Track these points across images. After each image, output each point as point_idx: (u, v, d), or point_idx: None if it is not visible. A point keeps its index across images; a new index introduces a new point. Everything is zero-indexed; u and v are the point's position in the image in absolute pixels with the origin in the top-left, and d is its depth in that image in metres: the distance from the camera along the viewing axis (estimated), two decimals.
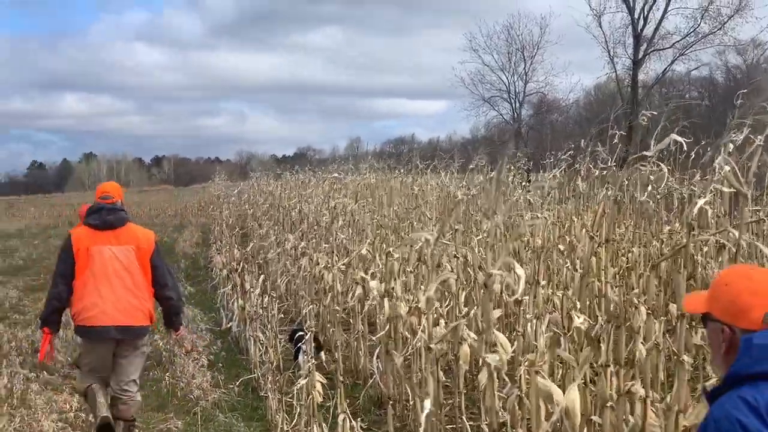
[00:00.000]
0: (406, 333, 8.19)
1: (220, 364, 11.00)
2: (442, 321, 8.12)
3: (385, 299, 8.92)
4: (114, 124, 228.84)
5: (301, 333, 8.51)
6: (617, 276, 9.47)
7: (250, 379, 10.08)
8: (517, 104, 56.56)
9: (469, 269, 9.17)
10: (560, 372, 7.27)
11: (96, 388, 7.79)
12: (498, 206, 10.33)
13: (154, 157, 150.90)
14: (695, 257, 9.56)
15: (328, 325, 11.43)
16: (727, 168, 5.80)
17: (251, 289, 11.46)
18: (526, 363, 5.76)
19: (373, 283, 9.29)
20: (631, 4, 49.06)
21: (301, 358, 8.94)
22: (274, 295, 10.61)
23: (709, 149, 10.87)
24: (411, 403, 8.13)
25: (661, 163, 6.83)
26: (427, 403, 5.97)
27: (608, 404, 5.60)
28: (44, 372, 10.55)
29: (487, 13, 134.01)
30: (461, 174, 17.60)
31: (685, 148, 6.96)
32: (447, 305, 8.72)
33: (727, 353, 2.99)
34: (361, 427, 6.80)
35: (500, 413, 6.22)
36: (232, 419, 9.00)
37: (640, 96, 48.12)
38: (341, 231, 13.46)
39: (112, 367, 7.80)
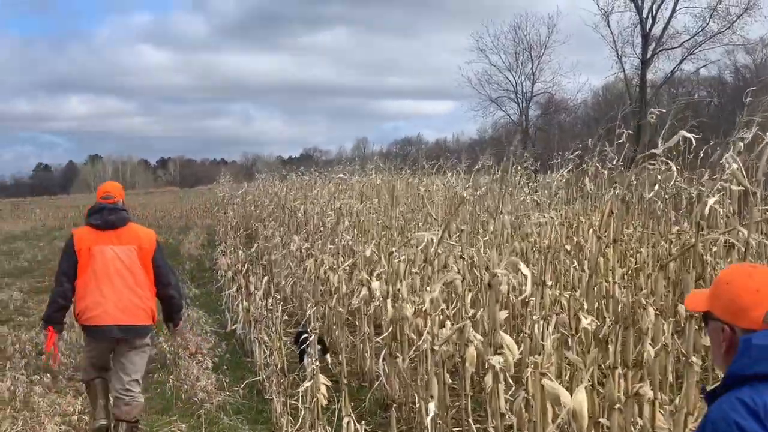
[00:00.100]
0: (412, 334, 8.11)
1: (225, 367, 10.94)
2: (448, 323, 8.05)
3: (388, 301, 8.85)
4: (119, 125, 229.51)
5: (306, 335, 8.45)
6: (625, 276, 9.38)
7: (255, 381, 10.01)
8: (525, 104, 56.52)
9: (475, 270, 9.09)
10: (568, 374, 7.19)
11: (98, 385, 7.91)
12: (504, 206, 10.28)
13: (159, 159, 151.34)
14: (704, 257, 9.47)
15: (334, 327, 11.36)
16: (734, 166, 5.72)
17: (255, 291, 11.40)
18: (533, 365, 5.68)
19: (375, 284, 9.22)
20: (640, 4, 49.10)
21: (306, 360, 8.88)
22: (278, 297, 10.52)
23: (718, 148, 10.79)
24: (417, 405, 8.05)
25: (669, 162, 6.74)
26: (432, 406, 5.90)
27: (616, 406, 5.52)
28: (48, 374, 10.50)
29: (494, 13, 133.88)
30: (468, 174, 17.51)
31: (694, 145, 6.88)
32: (454, 307, 8.65)
33: (728, 353, 2.94)
34: (365, 430, 6.74)
35: (507, 416, 6.15)
36: (236, 422, 8.93)
37: (648, 96, 48.09)
38: (347, 232, 13.39)
39: (114, 367, 7.83)
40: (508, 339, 6.42)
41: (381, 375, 8.94)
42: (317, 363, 7.12)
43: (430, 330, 7.23)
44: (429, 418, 6.01)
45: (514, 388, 6.47)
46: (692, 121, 8.32)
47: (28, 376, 10.36)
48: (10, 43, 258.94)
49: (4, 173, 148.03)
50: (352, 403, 9.09)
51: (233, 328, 12.94)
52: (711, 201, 5.49)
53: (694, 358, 5.17)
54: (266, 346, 9.96)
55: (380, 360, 8.85)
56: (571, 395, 5.43)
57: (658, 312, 6.45)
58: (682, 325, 6.52)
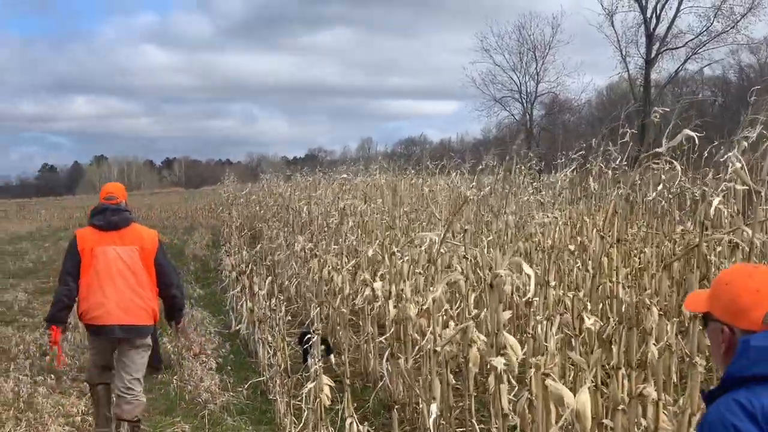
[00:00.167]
0: (416, 335, 8.10)
1: (229, 367, 10.93)
2: (451, 323, 8.04)
3: (390, 301, 8.84)
4: (124, 126, 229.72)
5: (310, 335, 8.45)
6: (629, 276, 9.36)
7: (259, 382, 9.99)
8: (529, 104, 56.50)
9: (478, 270, 9.07)
10: (571, 374, 7.18)
11: (101, 393, 7.99)
12: (507, 206, 10.25)
13: (164, 160, 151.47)
14: (708, 257, 9.44)
15: (338, 327, 11.35)
16: (738, 165, 5.70)
17: (259, 291, 11.40)
18: (536, 366, 5.67)
19: (377, 285, 9.21)
20: (644, 3, 49.09)
21: (309, 361, 8.87)
22: (282, 298, 10.52)
23: (722, 148, 10.76)
24: (420, 406, 8.04)
25: (674, 161, 6.72)
26: (434, 408, 5.88)
27: (620, 407, 5.50)
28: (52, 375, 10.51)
29: (496, 12, 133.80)
30: (472, 174, 17.49)
31: (697, 145, 6.85)
32: (457, 307, 8.63)
33: (727, 354, 2.93)
34: (368, 430, 6.72)
35: (510, 416, 6.13)
36: (240, 423, 8.92)
37: (652, 95, 48.05)
38: (351, 232, 13.38)
39: (116, 366, 7.88)
40: (511, 339, 6.39)
41: (384, 375, 8.93)
42: (320, 364, 7.11)
43: (433, 331, 7.21)
44: (431, 420, 5.99)
45: (517, 388, 6.45)
46: (696, 121, 8.27)
47: (32, 377, 10.37)
48: (13, 44, 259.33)
49: (10, 174, 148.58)
50: (356, 404, 9.10)
51: (237, 328, 12.94)
52: (716, 201, 5.46)
53: (697, 359, 5.14)
54: (270, 346, 9.95)
55: (383, 360, 8.85)
56: (575, 396, 5.41)
57: (662, 312, 6.43)
58: (687, 324, 6.51)
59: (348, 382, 7.03)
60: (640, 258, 10.22)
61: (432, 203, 14.43)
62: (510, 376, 6.27)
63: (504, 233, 11.38)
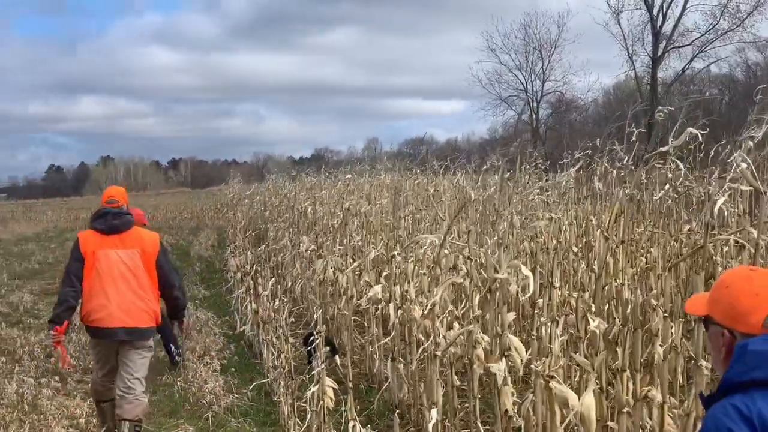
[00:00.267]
0: (420, 336, 8.06)
1: (233, 369, 10.91)
2: (456, 324, 8.00)
3: (391, 304, 8.81)
4: (131, 126, 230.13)
5: (315, 337, 8.42)
6: (635, 277, 9.31)
7: (264, 383, 9.97)
8: (535, 103, 56.40)
9: (482, 271, 9.03)
10: (577, 374, 7.13)
11: (107, 410, 8.06)
12: (513, 206, 10.18)
13: (171, 160, 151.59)
14: (714, 257, 9.39)
15: (343, 328, 11.32)
16: (743, 165, 5.64)
17: (263, 292, 11.37)
18: (540, 368, 5.62)
19: (377, 288, 9.18)
20: (650, 1, 48.96)
21: (314, 362, 8.84)
22: (285, 299, 10.49)
23: (729, 146, 10.70)
24: (428, 403, 8.00)
25: (678, 161, 6.67)
26: (434, 413, 5.83)
27: (625, 410, 5.45)
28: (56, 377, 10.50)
29: (504, 12, 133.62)
30: (478, 174, 17.44)
31: (704, 143, 6.80)
32: (463, 307, 8.59)
33: (727, 358, 2.90)
34: None
35: (515, 418, 6.09)
36: (244, 424, 8.90)
37: (659, 94, 47.91)
38: (355, 233, 13.34)
39: (118, 368, 7.87)
40: (516, 341, 6.36)
41: (389, 377, 8.90)
42: (323, 366, 7.07)
43: (434, 335, 7.17)
44: (431, 425, 5.95)
45: (523, 388, 6.41)
46: (703, 120, 8.21)
47: (37, 378, 10.36)
48: (21, 45, 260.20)
49: (17, 175, 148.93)
50: (360, 406, 9.07)
51: (242, 329, 12.92)
52: (720, 201, 5.41)
53: (703, 362, 5.09)
54: (274, 348, 9.92)
55: (388, 362, 8.82)
56: (580, 398, 5.37)
57: (666, 314, 6.38)
58: (693, 325, 6.46)
59: (351, 385, 6.98)
60: (646, 258, 10.17)
61: (436, 204, 14.37)
62: (514, 378, 6.24)
63: (509, 233, 11.33)
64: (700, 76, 53.04)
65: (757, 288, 2.89)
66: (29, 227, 49.39)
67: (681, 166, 6.52)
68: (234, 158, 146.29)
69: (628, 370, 5.60)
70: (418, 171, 19.62)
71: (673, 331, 6.56)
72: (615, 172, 11.77)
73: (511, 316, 6.79)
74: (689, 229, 11.00)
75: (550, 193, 14.69)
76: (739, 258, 8.45)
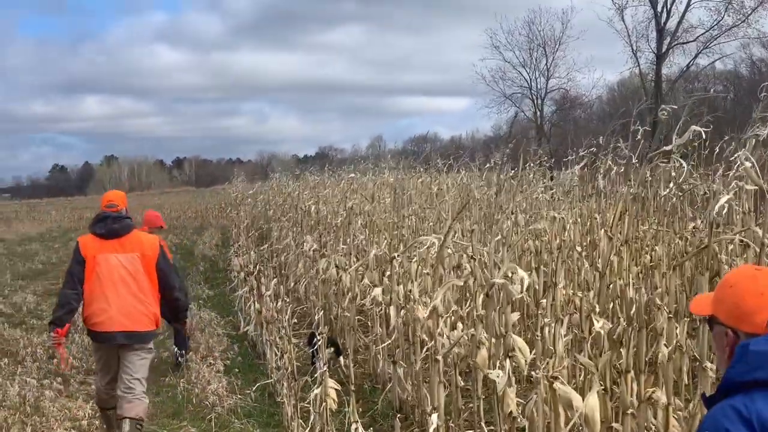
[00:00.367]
0: (424, 336, 8.02)
1: (237, 369, 10.88)
2: (460, 324, 7.96)
3: (392, 307, 8.77)
4: (135, 126, 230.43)
5: (318, 338, 8.39)
6: (640, 275, 9.26)
7: (267, 384, 9.92)
8: (539, 101, 56.27)
9: (485, 270, 8.99)
10: (581, 374, 7.09)
11: (112, 417, 8.07)
12: (517, 204, 10.13)
13: (175, 159, 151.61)
14: (719, 255, 9.33)
15: (347, 328, 11.26)
16: (748, 164, 5.58)
17: (265, 292, 11.33)
18: (544, 369, 5.58)
19: (378, 290, 9.14)
20: None
21: (317, 363, 8.80)
22: (288, 300, 10.44)
23: (733, 143, 10.64)
24: (429, 408, 7.96)
25: (682, 160, 6.62)
26: (435, 418, 5.78)
27: (629, 411, 5.40)
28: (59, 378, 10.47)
29: (508, 9, 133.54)
30: (482, 172, 17.39)
31: (708, 140, 6.74)
32: (467, 306, 8.54)
33: (731, 358, 2.87)
34: None
35: (519, 419, 6.04)
36: (247, 426, 8.87)
37: (664, 90, 47.76)
38: (359, 232, 13.29)
39: (119, 370, 7.90)
40: (520, 342, 6.31)
41: (392, 378, 8.86)
42: (326, 367, 7.04)
43: (435, 339, 7.12)
44: (432, 429, 5.89)
45: (527, 387, 6.36)
46: (707, 116, 8.15)
47: (39, 380, 10.33)
48: (24, 45, 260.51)
49: (21, 174, 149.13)
50: (364, 406, 9.04)
51: (246, 329, 12.89)
52: (723, 199, 5.35)
53: (708, 363, 5.05)
54: (277, 348, 9.88)
55: (391, 364, 8.77)
56: (584, 398, 5.32)
57: (670, 315, 6.33)
58: (698, 324, 6.41)
59: (353, 387, 6.95)
60: (651, 256, 10.12)
61: (440, 202, 14.32)
62: (518, 377, 6.19)
63: (513, 232, 11.28)
64: (705, 72, 52.85)
65: (762, 287, 2.87)
66: (33, 227, 49.43)
67: (684, 165, 6.45)
68: (238, 157, 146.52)
69: (632, 371, 5.55)
70: (421, 169, 19.57)
71: (678, 332, 6.50)
72: (618, 168, 11.71)
73: (515, 316, 6.75)
74: (694, 227, 10.94)
75: (554, 191, 14.65)
76: (744, 256, 8.40)
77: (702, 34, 48.64)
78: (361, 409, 8.78)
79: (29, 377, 10.37)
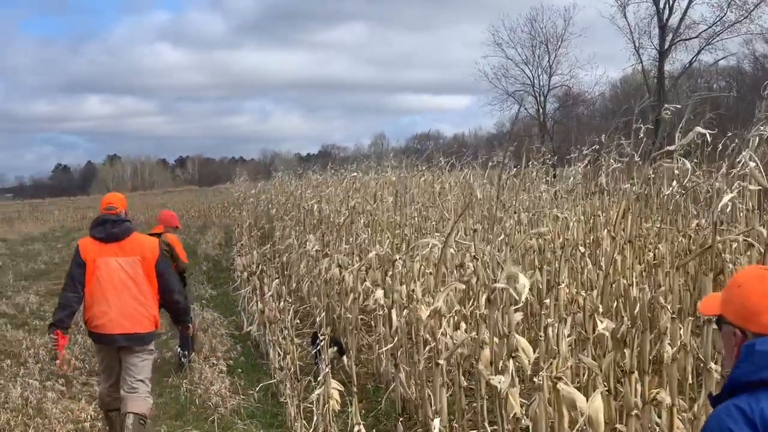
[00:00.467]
0: (427, 336, 7.99)
1: (240, 370, 10.84)
2: (463, 324, 7.92)
3: (393, 309, 8.75)
4: (138, 125, 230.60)
5: (321, 337, 8.36)
6: (643, 273, 9.23)
7: (270, 384, 9.89)
8: (542, 98, 56.18)
9: (488, 270, 8.96)
10: (585, 374, 7.05)
11: (114, 418, 8.04)
12: (518, 202, 10.09)
13: (178, 158, 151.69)
14: (722, 254, 9.29)
15: (350, 327, 11.24)
16: (752, 164, 5.55)
17: (268, 292, 11.31)
18: (548, 369, 5.55)
19: (379, 293, 9.12)
20: None
21: (320, 364, 8.78)
22: (291, 299, 10.41)
23: (736, 140, 10.60)
24: (433, 408, 7.93)
25: (684, 159, 6.59)
26: (437, 423, 5.75)
27: (633, 412, 5.37)
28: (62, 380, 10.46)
29: (510, 6, 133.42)
30: (484, 170, 17.36)
31: (709, 140, 6.70)
32: (471, 305, 8.51)
33: (739, 357, 2.85)
34: None
35: (522, 420, 6.02)
36: (251, 426, 8.84)
37: (666, 87, 47.65)
38: (361, 231, 13.26)
39: (122, 372, 7.92)
40: (523, 342, 6.29)
41: (395, 378, 8.84)
42: (329, 368, 7.01)
43: (437, 343, 7.10)
44: None
45: (531, 387, 6.33)
46: (710, 114, 8.13)
47: (42, 381, 10.30)
48: (28, 44, 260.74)
49: (24, 174, 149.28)
50: (368, 406, 9.02)
51: (249, 329, 12.86)
52: (726, 198, 5.32)
53: (713, 365, 5.02)
54: (280, 348, 9.86)
55: (394, 365, 8.75)
56: (588, 398, 5.30)
57: (674, 315, 6.30)
58: (702, 322, 6.38)
59: (356, 388, 6.93)
60: (654, 254, 10.09)
61: (442, 201, 14.30)
62: (522, 377, 6.16)
63: (516, 230, 11.25)
64: (708, 68, 52.74)
65: None
66: (36, 227, 49.43)
67: (688, 164, 6.42)
68: (241, 156, 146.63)
69: (636, 372, 5.52)
70: (423, 168, 19.53)
71: (681, 332, 6.47)
72: (621, 165, 11.70)
73: (518, 316, 6.72)
74: (697, 224, 10.91)
75: (557, 188, 14.62)
76: (748, 254, 8.36)
77: (704, 30, 48.50)
78: (364, 410, 8.76)
79: (32, 379, 10.35)
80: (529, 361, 6.28)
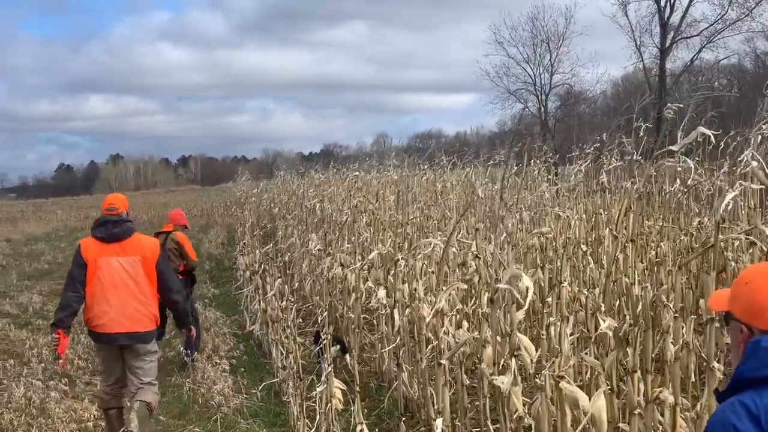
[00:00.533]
0: (430, 334, 8.00)
1: (243, 369, 10.85)
2: (465, 322, 7.93)
3: (395, 309, 8.75)
4: (140, 124, 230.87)
5: (324, 336, 8.37)
6: (645, 272, 9.23)
7: (273, 383, 9.90)
8: (544, 96, 56.14)
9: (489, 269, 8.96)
10: (587, 373, 7.06)
11: (114, 417, 8.12)
12: (520, 201, 10.09)
13: (180, 157, 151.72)
14: (725, 253, 9.29)
15: (353, 326, 11.25)
16: (754, 164, 5.55)
17: (270, 291, 11.31)
18: (550, 368, 5.55)
19: (381, 293, 9.12)
20: None
21: (323, 364, 8.78)
22: (293, 298, 10.42)
23: (737, 138, 10.60)
24: (435, 407, 7.94)
25: (687, 158, 6.58)
26: (439, 422, 5.76)
27: (636, 411, 5.38)
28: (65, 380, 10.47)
29: (512, 4, 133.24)
30: (486, 169, 17.36)
31: (712, 140, 6.70)
32: (473, 304, 8.52)
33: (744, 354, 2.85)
34: None
35: (525, 418, 6.02)
36: (253, 425, 8.84)
37: (668, 85, 47.63)
38: (364, 230, 13.26)
39: (126, 372, 7.98)
40: (525, 340, 6.29)
41: (398, 377, 8.84)
42: (331, 367, 7.02)
43: (438, 342, 7.10)
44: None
45: (533, 385, 6.33)
46: (712, 112, 8.13)
47: (45, 381, 10.32)
48: (30, 45, 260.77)
49: (27, 174, 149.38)
50: (371, 404, 9.03)
51: (251, 328, 12.86)
52: (729, 197, 5.32)
53: (716, 364, 5.01)
54: (283, 347, 9.86)
55: (397, 364, 8.74)
56: (590, 397, 5.30)
57: (676, 314, 6.29)
58: (704, 320, 6.38)
59: (358, 388, 6.92)
60: (656, 252, 10.08)
61: (444, 201, 14.30)
62: (524, 376, 6.16)
63: (517, 229, 11.26)
64: (709, 66, 52.68)
65: None
66: (39, 227, 49.46)
67: (690, 163, 6.41)
68: (243, 155, 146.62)
69: (639, 371, 5.52)
70: (425, 167, 19.53)
71: (684, 330, 6.47)
72: (623, 163, 11.69)
73: (520, 314, 6.72)
74: (699, 222, 10.91)
75: (559, 186, 14.61)
76: (750, 251, 8.36)
77: (706, 28, 48.44)
78: (366, 409, 8.77)
79: (35, 379, 10.39)
80: (531, 359, 6.28)
